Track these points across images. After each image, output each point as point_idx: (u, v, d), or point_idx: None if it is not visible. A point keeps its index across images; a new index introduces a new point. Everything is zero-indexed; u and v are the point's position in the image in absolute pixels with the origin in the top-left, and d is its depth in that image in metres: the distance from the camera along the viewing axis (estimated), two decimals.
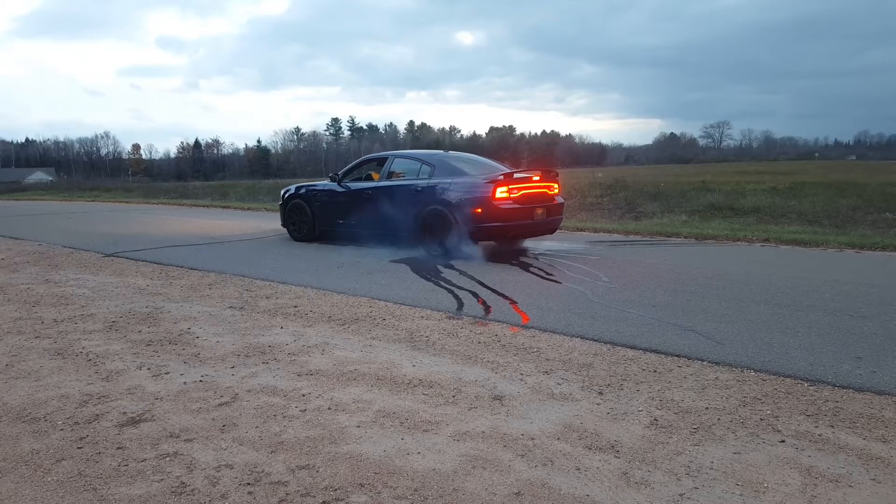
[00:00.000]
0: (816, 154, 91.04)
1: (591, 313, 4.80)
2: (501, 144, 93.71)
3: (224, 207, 17.95)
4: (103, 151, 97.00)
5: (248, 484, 2.32)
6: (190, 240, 9.66)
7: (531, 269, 6.80)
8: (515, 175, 7.60)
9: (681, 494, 2.23)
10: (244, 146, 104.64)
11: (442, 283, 6.03)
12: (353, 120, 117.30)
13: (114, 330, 4.42)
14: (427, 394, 3.19)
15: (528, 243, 8.57)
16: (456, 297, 5.48)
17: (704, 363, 3.64)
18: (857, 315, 4.64)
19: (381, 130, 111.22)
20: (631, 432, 2.73)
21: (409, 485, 2.30)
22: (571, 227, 10.70)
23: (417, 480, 2.33)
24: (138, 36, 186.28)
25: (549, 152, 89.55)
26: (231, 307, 5.10)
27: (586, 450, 2.57)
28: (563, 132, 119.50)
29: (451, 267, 6.89)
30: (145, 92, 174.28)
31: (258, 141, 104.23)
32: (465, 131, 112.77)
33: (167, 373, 3.53)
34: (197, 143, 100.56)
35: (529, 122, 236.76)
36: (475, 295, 5.54)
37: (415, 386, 3.30)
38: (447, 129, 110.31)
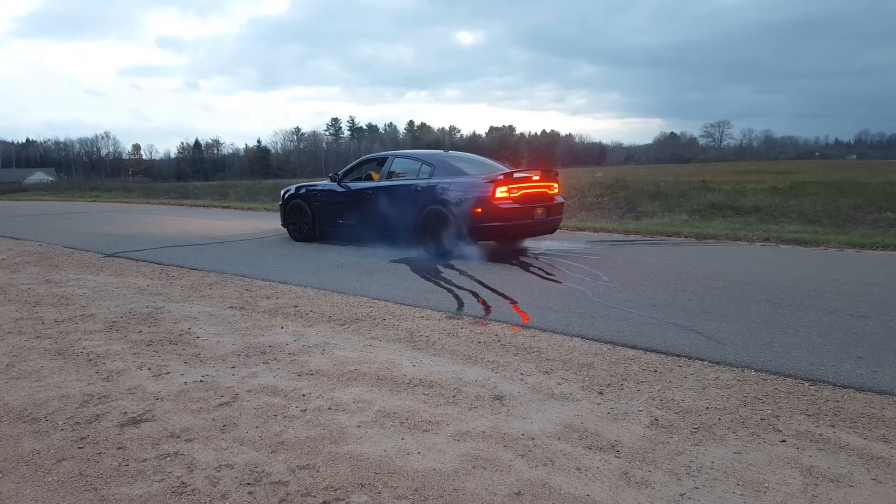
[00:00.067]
0: (817, 153, 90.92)
1: (592, 313, 4.80)
2: (501, 144, 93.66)
3: (224, 207, 17.96)
4: (104, 152, 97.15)
5: (249, 484, 2.32)
6: (190, 240, 9.66)
7: (531, 268, 6.80)
8: (515, 175, 7.59)
9: (681, 494, 2.23)
10: (244, 146, 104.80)
11: (442, 283, 6.03)
12: (353, 120, 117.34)
13: (114, 330, 4.43)
14: (427, 394, 3.19)
15: (528, 243, 8.57)
16: (456, 296, 5.48)
17: (705, 363, 3.64)
18: (857, 314, 4.64)
19: (380, 130, 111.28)
20: (631, 432, 2.73)
21: (409, 485, 2.30)
22: (571, 226, 10.70)
23: (418, 480, 2.33)
24: (138, 36, 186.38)
25: (549, 152, 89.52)
26: (231, 307, 5.10)
27: (587, 450, 2.57)
28: (563, 132, 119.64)
29: (451, 267, 6.89)
30: (145, 92, 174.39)
31: (258, 141, 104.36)
32: (465, 131, 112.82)
33: (168, 373, 3.53)
34: (197, 143, 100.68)
35: (529, 121, 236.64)
36: (475, 295, 5.54)
37: (415, 386, 3.30)
38: (447, 128, 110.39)
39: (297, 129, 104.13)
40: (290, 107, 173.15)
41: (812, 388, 3.24)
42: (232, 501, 2.20)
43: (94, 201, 22.75)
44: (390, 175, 8.49)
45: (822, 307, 4.88)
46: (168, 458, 2.52)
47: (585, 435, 2.71)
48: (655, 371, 3.50)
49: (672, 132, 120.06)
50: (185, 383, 3.37)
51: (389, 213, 7.99)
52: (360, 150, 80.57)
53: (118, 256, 7.98)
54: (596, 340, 4.10)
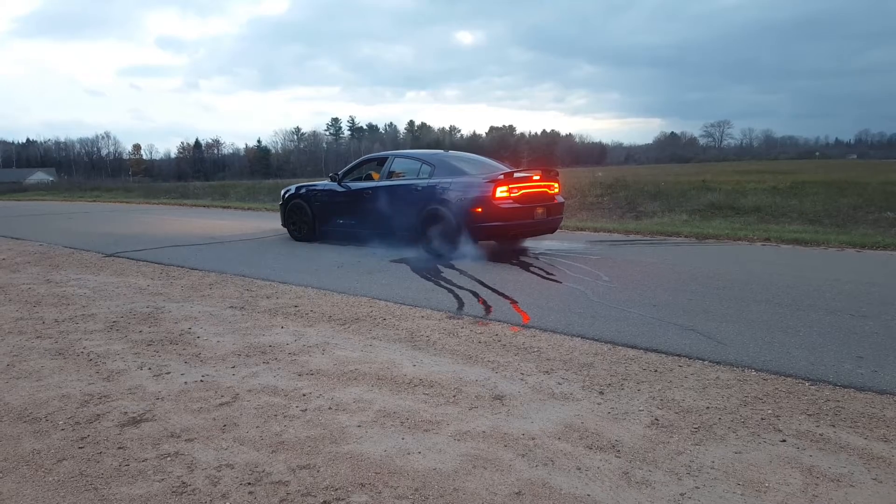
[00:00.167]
0: (817, 153, 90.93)
1: (592, 313, 4.80)
2: (501, 144, 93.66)
3: (224, 207, 17.96)
4: (104, 152, 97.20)
5: (249, 484, 2.32)
6: (190, 240, 9.67)
7: (531, 268, 6.80)
8: (515, 174, 7.59)
9: (682, 494, 2.23)
10: (244, 146, 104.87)
11: (442, 283, 6.03)
12: (353, 120, 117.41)
13: (115, 330, 4.43)
14: (428, 393, 3.19)
15: (529, 243, 8.57)
16: (456, 296, 5.48)
17: (705, 363, 3.64)
18: (858, 314, 4.63)
19: (381, 130, 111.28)
20: (632, 432, 2.73)
21: (409, 484, 2.30)
22: (572, 226, 10.70)
23: (418, 480, 2.33)
24: (138, 36, 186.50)
25: (549, 152, 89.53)
26: (232, 307, 5.11)
27: (587, 449, 2.57)
28: (563, 132, 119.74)
29: (452, 266, 6.89)
30: (145, 92, 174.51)
31: (258, 141, 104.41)
32: (465, 131, 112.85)
33: (168, 373, 3.53)
34: (197, 143, 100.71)
35: (529, 121, 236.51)
36: (475, 294, 5.54)
37: (415, 386, 3.30)
38: (447, 128, 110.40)
39: (297, 129, 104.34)
40: (290, 107, 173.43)
41: (812, 387, 3.24)
42: (232, 501, 2.20)
43: (94, 201, 22.75)
44: (390, 175, 8.49)
45: (823, 307, 4.88)
46: (168, 458, 2.52)
47: (586, 435, 2.71)
48: (656, 371, 3.50)
49: (672, 132, 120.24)
50: (186, 383, 3.37)
51: (390, 213, 7.99)
52: (360, 150, 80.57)
53: (118, 256, 7.98)
54: (596, 340, 4.10)
